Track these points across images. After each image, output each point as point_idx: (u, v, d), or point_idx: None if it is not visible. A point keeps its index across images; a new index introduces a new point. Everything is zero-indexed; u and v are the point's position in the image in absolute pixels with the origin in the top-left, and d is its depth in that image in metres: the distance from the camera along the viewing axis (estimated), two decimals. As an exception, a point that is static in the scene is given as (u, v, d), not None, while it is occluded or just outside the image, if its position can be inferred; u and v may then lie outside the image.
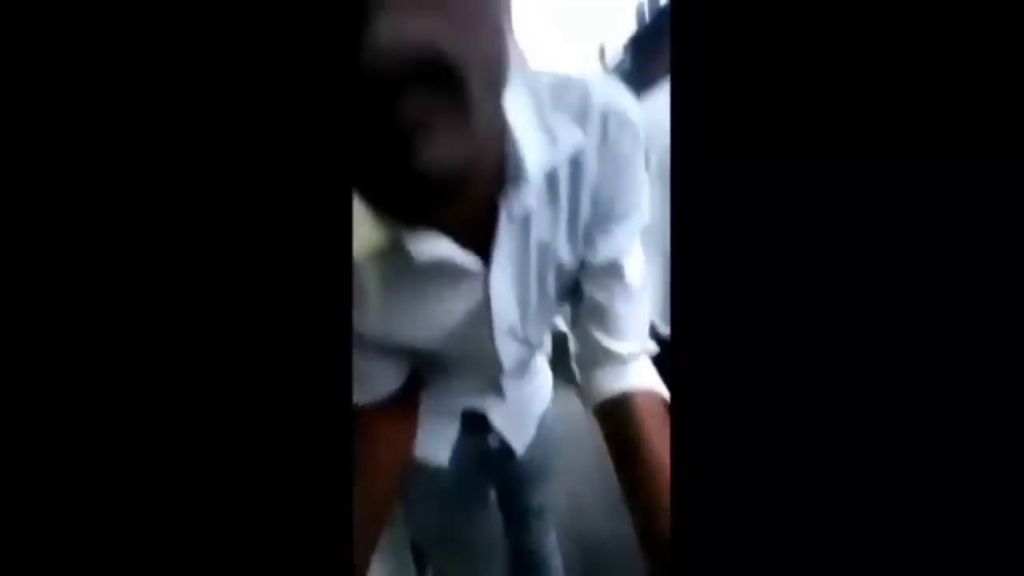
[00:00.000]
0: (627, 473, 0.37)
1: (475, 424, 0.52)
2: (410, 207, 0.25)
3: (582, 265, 0.38)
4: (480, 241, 0.30)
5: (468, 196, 0.27)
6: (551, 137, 0.29)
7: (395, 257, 0.29)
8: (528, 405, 0.56)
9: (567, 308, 0.44)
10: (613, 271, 0.38)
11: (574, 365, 0.44)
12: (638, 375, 0.40)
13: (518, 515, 0.69)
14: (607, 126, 0.32)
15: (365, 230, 0.29)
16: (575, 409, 0.48)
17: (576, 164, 0.32)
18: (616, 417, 0.39)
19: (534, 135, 0.29)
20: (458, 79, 0.21)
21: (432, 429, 0.50)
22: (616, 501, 0.39)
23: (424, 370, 0.44)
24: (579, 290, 0.40)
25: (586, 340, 0.41)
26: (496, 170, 0.29)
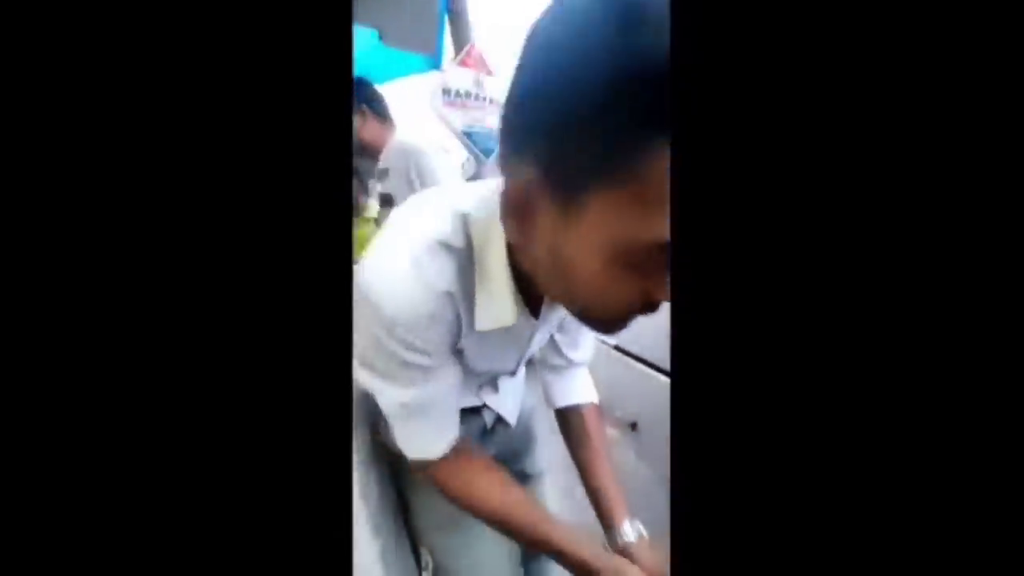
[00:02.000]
0: (578, 455, 0.67)
1: (472, 409, 0.66)
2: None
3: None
4: (533, 309, 0.51)
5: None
6: None
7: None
8: (514, 389, 0.73)
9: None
10: None
11: (539, 367, 0.73)
12: (584, 386, 0.71)
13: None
14: None
15: (502, 309, 0.45)
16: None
17: None
18: (570, 420, 0.69)
19: None
20: None
21: None
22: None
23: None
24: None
25: (555, 351, 0.69)
26: None
